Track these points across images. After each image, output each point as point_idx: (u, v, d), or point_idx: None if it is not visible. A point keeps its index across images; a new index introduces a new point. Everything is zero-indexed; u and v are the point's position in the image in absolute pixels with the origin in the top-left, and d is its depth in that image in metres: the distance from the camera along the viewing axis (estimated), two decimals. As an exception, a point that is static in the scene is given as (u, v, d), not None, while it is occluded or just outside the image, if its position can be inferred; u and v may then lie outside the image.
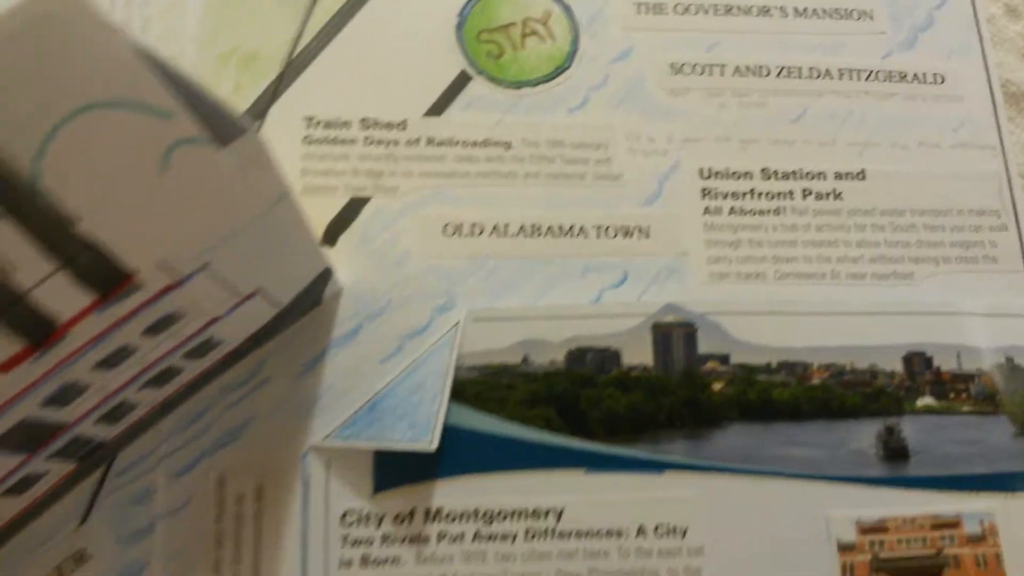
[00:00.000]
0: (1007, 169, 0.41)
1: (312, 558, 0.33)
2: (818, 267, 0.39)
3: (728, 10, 0.43)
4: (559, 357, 0.37)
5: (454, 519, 0.34)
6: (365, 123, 0.39)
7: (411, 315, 0.37)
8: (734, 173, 0.40)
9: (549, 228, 0.39)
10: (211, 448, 0.35)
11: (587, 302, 0.38)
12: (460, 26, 0.41)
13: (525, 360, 0.36)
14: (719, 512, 0.35)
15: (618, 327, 0.37)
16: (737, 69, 0.42)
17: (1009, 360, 0.38)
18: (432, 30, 0.41)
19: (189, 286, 0.26)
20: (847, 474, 0.36)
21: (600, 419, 0.36)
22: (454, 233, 0.38)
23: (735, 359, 0.37)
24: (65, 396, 0.26)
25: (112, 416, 0.30)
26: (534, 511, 0.34)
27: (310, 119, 0.39)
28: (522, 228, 0.38)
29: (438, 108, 0.40)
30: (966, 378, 0.38)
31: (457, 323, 0.36)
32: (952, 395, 0.38)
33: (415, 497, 0.34)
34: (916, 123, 0.42)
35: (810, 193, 0.40)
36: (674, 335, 0.37)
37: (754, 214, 0.40)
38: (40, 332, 0.22)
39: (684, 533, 0.34)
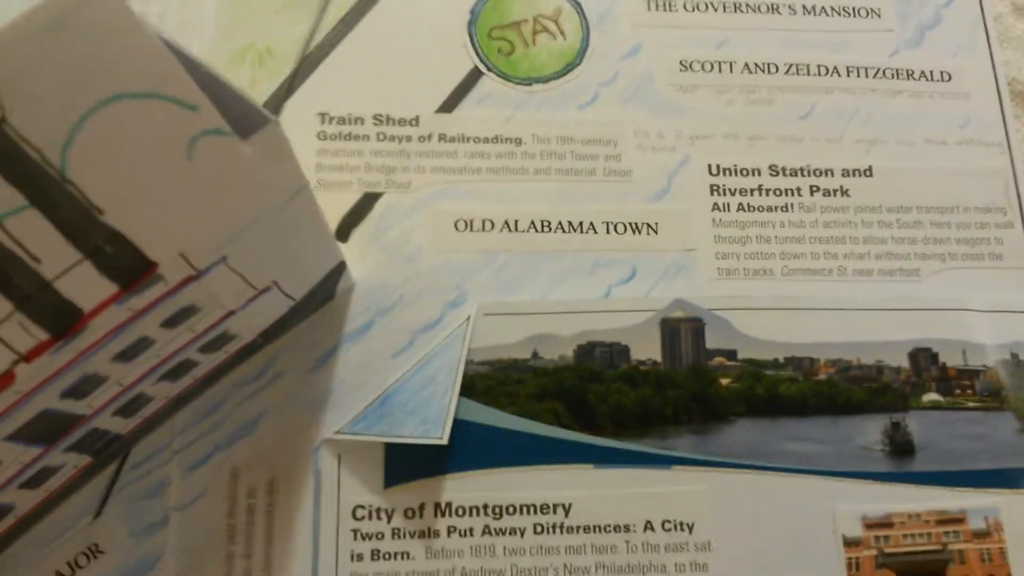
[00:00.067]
0: (1013, 166, 0.42)
1: (323, 551, 0.34)
2: (825, 263, 0.39)
3: (737, 8, 0.44)
4: (568, 352, 0.37)
5: (464, 513, 0.34)
6: (378, 119, 0.40)
7: (423, 310, 0.37)
8: (742, 170, 0.41)
9: (559, 224, 0.39)
10: (224, 442, 0.35)
11: (596, 297, 0.38)
12: (472, 23, 0.42)
13: (535, 355, 0.37)
14: (726, 507, 0.35)
15: (627, 322, 0.37)
16: (746, 66, 0.42)
17: (1014, 356, 0.38)
18: (444, 27, 0.42)
19: (207, 278, 0.26)
20: (853, 469, 0.36)
21: (608, 414, 0.36)
22: (465, 228, 0.38)
23: (742, 354, 0.37)
24: (84, 388, 0.26)
25: (128, 409, 0.31)
26: (543, 506, 0.35)
27: (324, 115, 0.39)
28: (532, 224, 0.39)
29: (450, 105, 0.40)
30: (971, 374, 0.38)
31: (468, 318, 0.37)
32: (957, 391, 0.38)
33: (425, 491, 0.35)
34: (923, 120, 0.42)
35: (817, 190, 0.41)
36: (682, 330, 0.38)
37: (762, 210, 0.40)
38: (63, 322, 0.22)
39: (691, 528, 0.35)
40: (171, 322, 0.27)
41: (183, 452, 0.35)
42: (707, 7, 0.43)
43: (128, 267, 0.22)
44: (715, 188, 0.40)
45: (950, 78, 0.43)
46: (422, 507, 0.34)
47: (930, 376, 0.38)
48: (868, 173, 0.41)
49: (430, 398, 0.35)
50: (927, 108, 0.43)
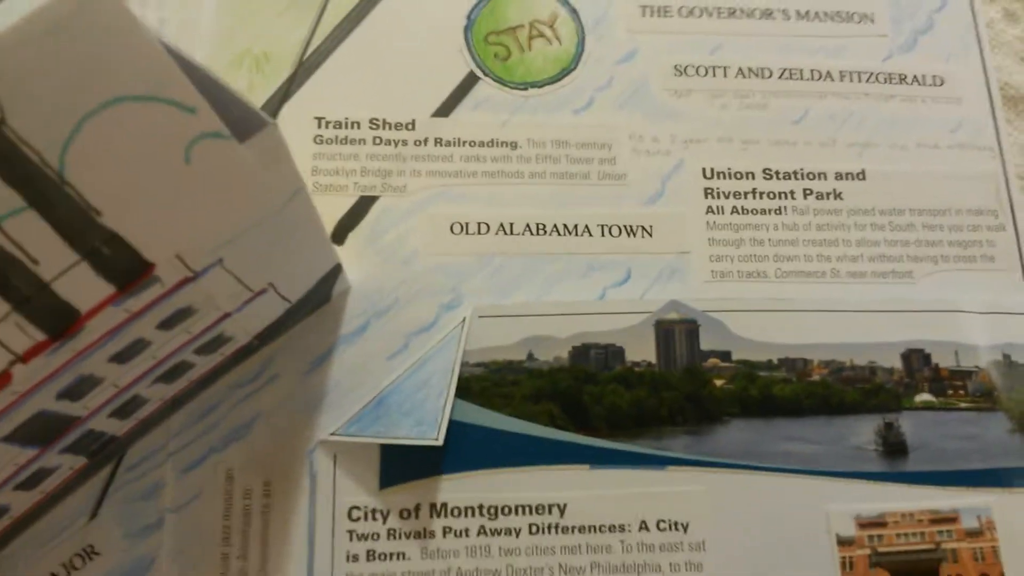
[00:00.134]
0: (1005, 170, 0.42)
1: (319, 552, 0.34)
2: (819, 266, 0.40)
3: (731, 13, 0.44)
4: (563, 353, 0.37)
5: (459, 514, 0.35)
6: (374, 123, 0.40)
7: (418, 312, 0.37)
8: (736, 173, 0.41)
9: (554, 227, 0.39)
10: (220, 444, 0.35)
11: (591, 299, 0.38)
12: (468, 28, 0.42)
13: (530, 356, 0.37)
14: (721, 507, 0.35)
15: (621, 324, 0.38)
16: (740, 71, 0.43)
17: (1006, 357, 0.38)
18: (441, 32, 0.42)
19: (204, 280, 0.26)
20: (846, 469, 0.36)
21: (603, 415, 0.36)
22: (461, 231, 0.39)
23: (736, 356, 0.38)
24: (80, 389, 0.26)
25: (124, 411, 0.31)
26: (538, 506, 0.35)
27: (320, 119, 0.40)
28: (528, 227, 0.39)
29: (446, 109, 0.40)
30: (964, 375, 0.38)
31: (463, 320, 0.37)
32: (950, 392, 0.38)
33: (420, 492, 0.35)
34: (915, 124, 0.43)
35: (811, 193, 0.41)
36: (676, 332, 0.38)
37: (756, 213, 0.40)
38: (60, 323, 0.22)
39: (686, 528, 0.35)
40: (167, 324, 0.27)
41: (178, 454, 0.35)
42: (701, 13, 0.44)
43: (125, 268, 0.23)
44: (709, 191, 0.40)
45: (942, 83, 0.44)
46: (417, 508, 0.34)
47: (923, 377, 0.38)
48: (861, 176, 0.41)
49: (425, 399, 0.35)
50: (920, 112, 0.43)
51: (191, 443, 0.35)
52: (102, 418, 0.30)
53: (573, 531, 0.35)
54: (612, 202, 0.40)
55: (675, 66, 0.43)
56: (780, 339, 0.38)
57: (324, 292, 0.36)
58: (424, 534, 0.34)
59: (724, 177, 0.41)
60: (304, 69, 0.40)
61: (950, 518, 0.36)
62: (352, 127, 0.40)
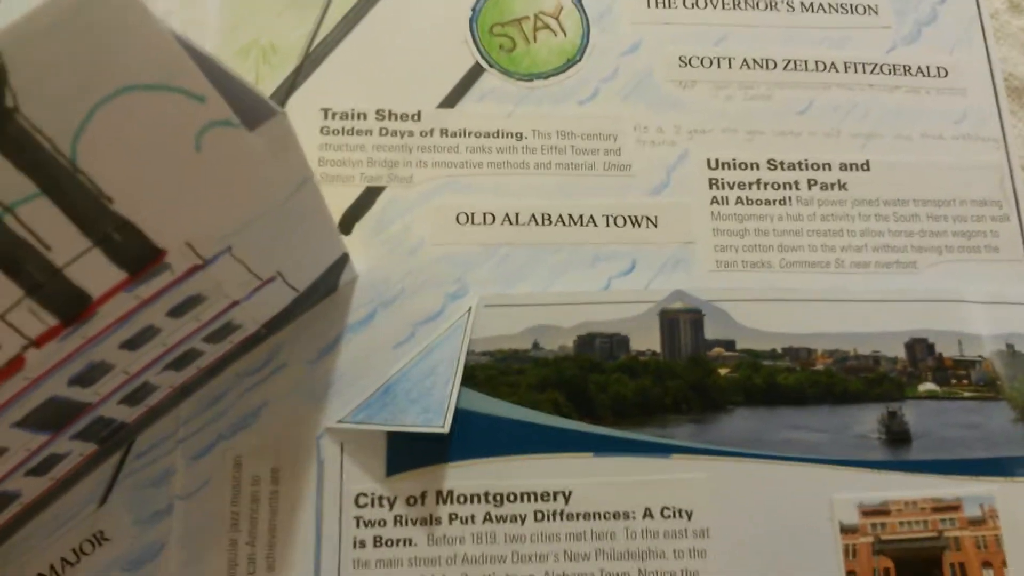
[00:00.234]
0: (1009, 161, 0.42)
1: (326, 539, 0.34)
2: (823, 256, 0.40)
3: (736, 4, 0.44)
4: (569, 343, 0.37)
5: (465, 501, 0.35)
6: (380, 114, 0.40)
7: (424, 302, 0.38)
8: (741, 164, 0.41)
9: (559, 217, 0.39)
10: (228, 431, 0.35)
11: (596, 289, 0.38)
12: (473, 20, 0.42)
13: (535, 346, 0.37)
14: (725, 495, 0.35)
15: (626, 314, 0.38)
16: (744, 62, 0.43)
17: (1010, 347, 0.38)
18: (446, 24, 0.42)
19: (213, 268, 0.26)
20: (850, 458, 0.36)
21: (608, 403, 0.37)
22: (467, 222, 0.39)
23: (741, 345, 0.38)
24: (91, 375, 0.27)
25: (133, 398, 0.31)
26: (543, 494, 0.35)
27: (327, 110, 0.40)
28: (533, 217, 0.39)
29: (452, 100, 0.41)
30: (967, 364, 0.38)
31: (469, 309, 0.37)
32: (953, 381, 0.38)
33: (427, 480, 0.35)
34: (919, 115, 0.43)
35: (815, 183, 0.41)
36: (681, 321, 0.38)
37: (760, 204, 0.40)
38: (72, 309, 0.23)
39: (690, 515, 0.35)
40: (177, 311, 0.27)
41: (187, 441, 0.35)
42: (706, 4, 0.44)
43: (136, 255, 0.23)
44: (714, 182, 0.41)
45: (947, 74, 0.44)
46: (424, 495, 0.35)
47: (926, 366, 0.38)
48: (865, 167, 0.41)
49: (432, 388, 0.35)
50: (924, 103, 0.43)
51: (200, 430, 0.35)
52: (112, 405, 0.30)
53: (578, 518, 0.35)
54: (617, 192, 0.40)
55: (680, 57, 0.43)
56: (784, 328, 0.38)
57: (331, 281, 0.36)
58: (430, 521, 0.34)
59: (729, 168, 0.41)
60: (310, 61, 0.40)
61: (953, 506, 0.36)
62: (358, 118, 0.40)
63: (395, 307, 0.37)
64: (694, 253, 0.39)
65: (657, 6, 0.44)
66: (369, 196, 0.39)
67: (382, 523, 0.34)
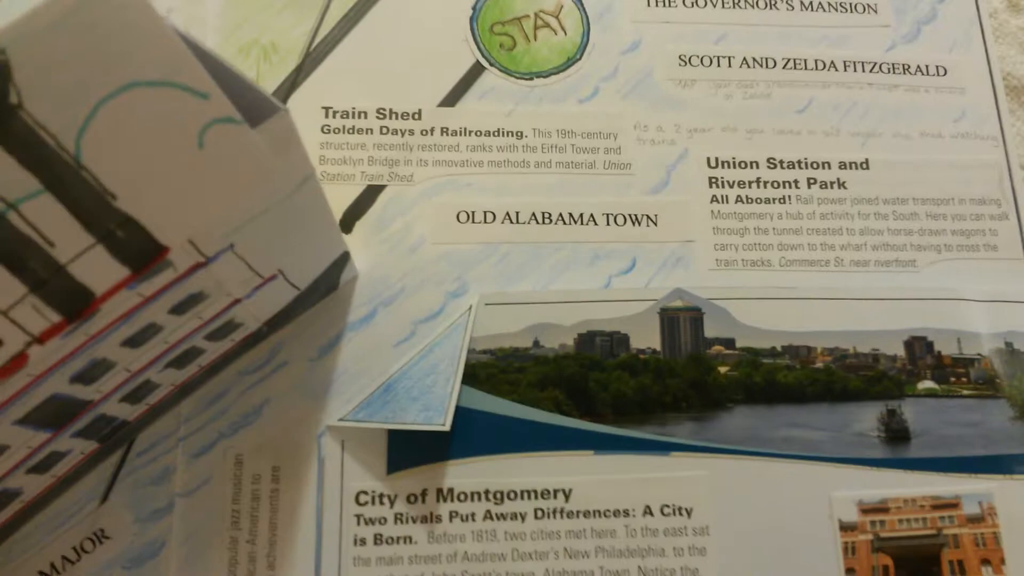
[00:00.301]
0: (1008, 160, 0.42)
1: (327, 536, 0.34)
2: (822, 254, 0.40)
3: (735, 3, 0.44)
4: (569, 341, 0.37)
5: (465, 499, 0.35)
6: (381, 113, 0.40)
7: (425, 300, 0.38)
8: (740, 162, 0.41)
9: (560, 216, 0.39)
10: (229, 429, 0.35)
11: (597, 288, 0.38)
12: (474, 18, 0.42)
13: (536, 344, 0.37)
14: (724, 492, 0.36)
15: (627, 312, 0.38)
16: (744, 61, 0.43)
17: (1008, 345, 0.39)
18: (446, 23, 0.42)
19: (215, 265, 0.26)
20: (849, 455, 0.36)
21: (608, 401, 0.37)
22: (467, 220, 0.39)
23: (741, 343, 0.38)
24: (93, 373, 0.27)
25: (135, 396, 0.31)
26: (543, 491, 0.35)
27: (327, 109, 0.40)
28: (533, 216, 0.39)
29: (452, 99, 0.41)
30: (966, 362, 0.38)
31: (470, 308, 0.37)
32: (952, 379, 0.38)
33: (427, 477, 0.35)
34: (919, 114, 0.43)
35: (815, 182, 0.41)
36: (681, 320, 0.38)
37: (760, 202, 0.40)
38: (75, 305, 0.23)
39: (690, 513, 0.35)
40: (179, 309, 0.27)
41: (188, 439, 0.35)
42: (705, 3, 0.44)
43: (139, 252, 0.23)
44: (714, 180, 0.41)
45: (946, 73, 0.44)
46: (424, 492, 0.35)
47: (925, 364, 0.38)
48: (865, 166, 0.42)
49: (432, 386, 0.35)
50: (923, 102, 0.43)
51: (201, 428, 0.35)
52: (114, 403, 0.30)
53: (578, 516, 0.35)
54: (617, 191, 0.40)
55: (680, 56, 0.43)
56: (784, 327, 0.38)
57: (332, 279, 0.36)
58: (431, 518, 0.35)
59: (728, 166, 0.41)
60: (311, 59, 0.41)
61: (952, 504, 0.36)
62: (359, 117, 0.40)
63: (396, 305, 0.38)
64: (694, 251, 0.39)
65: (657, 5, 0.44)
66: (370, 195, 0.39)
67: (383, 521, 0.34)
